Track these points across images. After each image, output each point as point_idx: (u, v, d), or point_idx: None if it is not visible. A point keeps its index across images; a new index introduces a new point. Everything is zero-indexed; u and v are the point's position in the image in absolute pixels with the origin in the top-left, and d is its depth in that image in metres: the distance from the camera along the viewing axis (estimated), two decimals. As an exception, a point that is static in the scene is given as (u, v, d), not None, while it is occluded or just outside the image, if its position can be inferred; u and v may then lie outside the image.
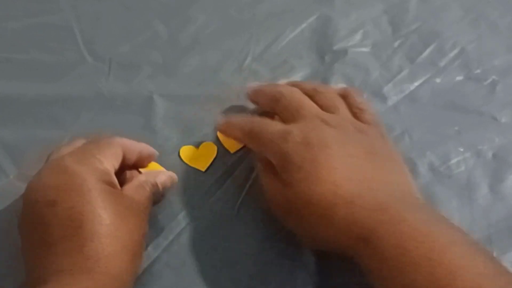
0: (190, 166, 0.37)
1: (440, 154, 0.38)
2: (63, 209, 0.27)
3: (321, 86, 0.37)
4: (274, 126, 0.32)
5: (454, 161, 0.37)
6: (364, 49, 0.45)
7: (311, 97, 0.35)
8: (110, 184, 0.29)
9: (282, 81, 0.41)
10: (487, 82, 0.42)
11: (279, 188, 0.30)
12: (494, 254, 0.32)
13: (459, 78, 0.43)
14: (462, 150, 0.38)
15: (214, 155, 0.38)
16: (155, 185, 0.32)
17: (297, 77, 0.43)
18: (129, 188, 0.30)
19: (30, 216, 0.29)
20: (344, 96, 0.36)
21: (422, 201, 0.30)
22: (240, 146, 0.37)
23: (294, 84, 0.37)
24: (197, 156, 0.38)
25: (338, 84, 0.37)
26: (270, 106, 0.35)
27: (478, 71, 0.43)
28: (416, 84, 0.42)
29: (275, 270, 0.32)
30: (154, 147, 0.38)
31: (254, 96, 0.37)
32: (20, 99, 0.41)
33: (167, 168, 0.36)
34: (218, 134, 0.38)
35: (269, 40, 0.45)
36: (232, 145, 0.38)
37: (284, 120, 0.34)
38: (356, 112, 0.35)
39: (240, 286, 0.31)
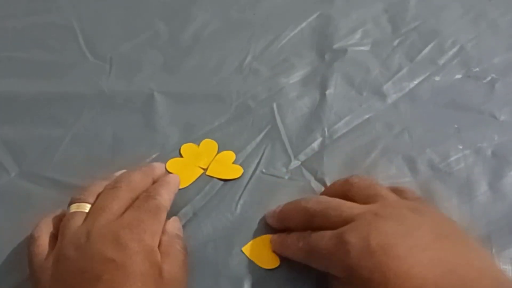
0: (190, 164, 0.37)
1: (440, 152, 0.38)
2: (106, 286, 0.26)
3: (352, 177, 0.33)
4: (326, 237, 0.28)
5: (453, 158, 0.37)
6: (364, 48, 0.45)
7: (344, 194, 0.32)
8: (156, 262, 0.28)
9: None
10: (486, 80, 0.42)
11: None
12: (493, 251, 0.32)
13: (458, 76, 0.43)
14: (461, 147, 0.38)
15: (215, 153, 0.38)
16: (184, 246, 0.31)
17: (297, 75, 0.43)
18: (170, 264, 0.29)
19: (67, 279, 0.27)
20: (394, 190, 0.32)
21: None
22: (277, 263, 0.32)
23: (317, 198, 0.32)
24: (197, 154, 0.38)
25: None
26: (305, 225, 0.31)
27: (477, 69, 0.43)
28: (415, 82, 0.42)
29: (275, 270, 0.32)
30: (155, 145, 0.38)
31: (281, 219, 0.33)
32: (22, 98, 0.41)
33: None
34: (246, 251, 0.33)
35: (269, 39, 0.46)
36: (267, 261, 0.32)
37: (329, 228, 0.29)
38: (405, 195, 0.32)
39: (241, 285, 0.31)
